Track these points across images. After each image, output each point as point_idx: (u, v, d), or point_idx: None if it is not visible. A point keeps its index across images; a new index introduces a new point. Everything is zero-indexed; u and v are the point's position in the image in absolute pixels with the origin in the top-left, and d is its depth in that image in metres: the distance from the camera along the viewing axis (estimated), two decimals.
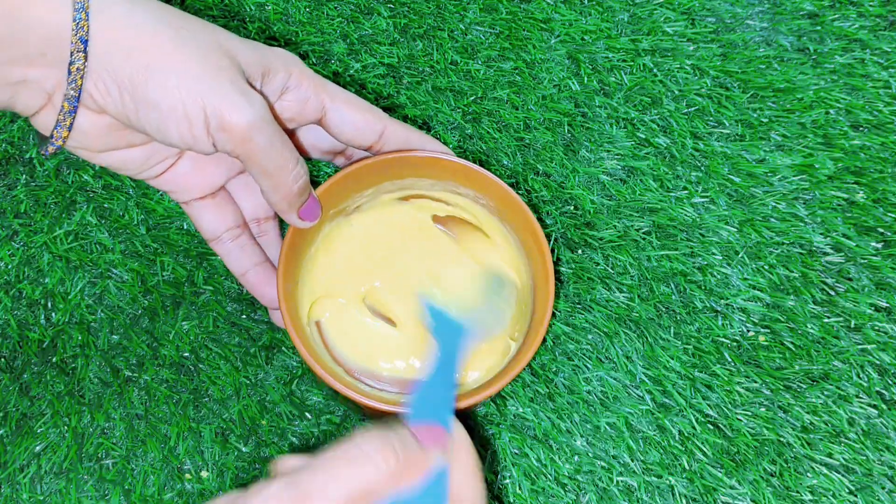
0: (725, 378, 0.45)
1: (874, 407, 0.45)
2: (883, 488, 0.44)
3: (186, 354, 0.46)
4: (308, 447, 0.44)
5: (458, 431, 0.33)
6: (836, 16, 0.53)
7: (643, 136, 0.50)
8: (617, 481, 0.44)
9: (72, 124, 0.34)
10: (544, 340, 0.42)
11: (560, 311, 0.47)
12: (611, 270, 0.47)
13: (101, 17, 0.32)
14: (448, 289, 0.43)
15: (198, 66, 0.33)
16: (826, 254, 0.48)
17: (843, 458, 0.44)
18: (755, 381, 0.45)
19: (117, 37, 0.33)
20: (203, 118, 0.33)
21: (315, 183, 0.49)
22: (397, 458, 0.29)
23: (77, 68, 0.32)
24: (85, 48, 0.32)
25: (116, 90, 0.33)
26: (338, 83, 0.50)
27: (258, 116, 0.34)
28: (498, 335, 0.42)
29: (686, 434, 0.44)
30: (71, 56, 0.32)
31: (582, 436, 0.45)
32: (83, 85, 0.33)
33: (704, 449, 0.44)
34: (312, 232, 0.42)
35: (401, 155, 0.41)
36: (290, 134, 0.42)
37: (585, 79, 0.51)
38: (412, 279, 0.44)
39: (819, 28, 0.52)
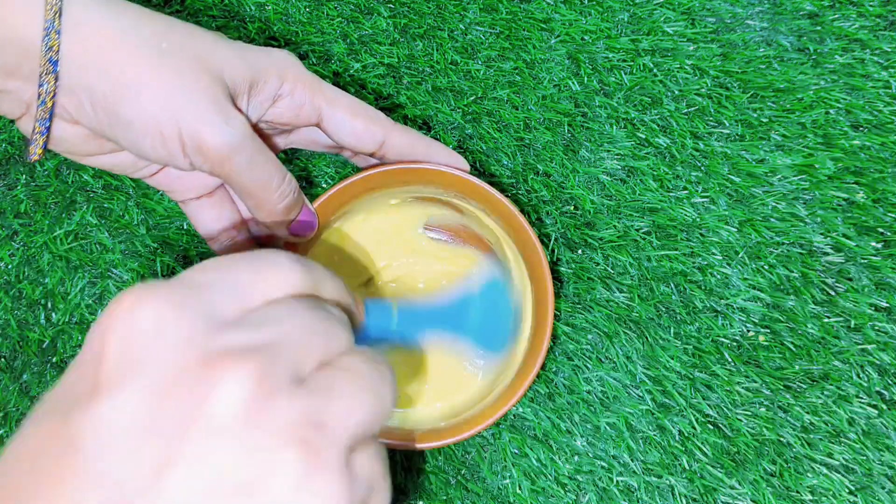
0: (725, 378, 0.45)
1: (874, 407, 0.45)
2: (883, 488, 0.44)
3: None
4: None
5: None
6: (836, 16, 0.53)
7: (643, 136, 0.50)
8: (617, 481, 0.44)
9: (46, 143, 0.33)
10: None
11: (560, 311, 0.47)
12: (611, 270, 0.47)
13: (76, 30, 0.31)
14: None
15: (175, 84, 0.32)
16: (826, 254, 0.48)
17: (843, 458, 0.44)
18: (755, 381, 0.45)
19: (92, 52, 0.31)
20: (178, 138, 0.32)
21: (316, 185, 0.49)
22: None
23: (46, 90, 0.31)
24: (55, 69, 0.31)
25: (90, 106, 0.32)
26: (338, 83, 0.50)
27: (236, 137, 0.32)
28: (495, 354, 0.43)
29: (686, 434, 0.44)
30: (40, 78, 0.31)
31: (582, 436, 0.45)
32: (58, 100, 0.32)
33: (704, 449, 0.44)
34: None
35: (400, 167, 0.41)
36: (289, 133, 0.42)
37: (585, 79, 0.51)
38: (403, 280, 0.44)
39: (819, 28, 0.52)
